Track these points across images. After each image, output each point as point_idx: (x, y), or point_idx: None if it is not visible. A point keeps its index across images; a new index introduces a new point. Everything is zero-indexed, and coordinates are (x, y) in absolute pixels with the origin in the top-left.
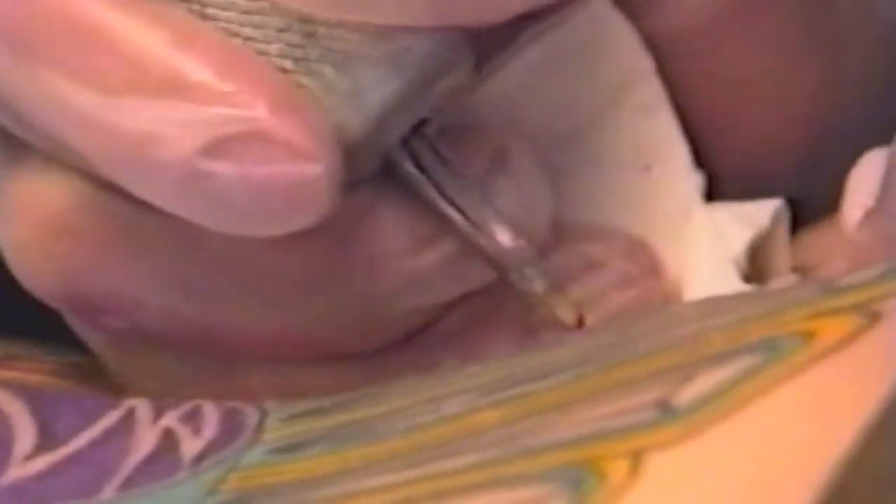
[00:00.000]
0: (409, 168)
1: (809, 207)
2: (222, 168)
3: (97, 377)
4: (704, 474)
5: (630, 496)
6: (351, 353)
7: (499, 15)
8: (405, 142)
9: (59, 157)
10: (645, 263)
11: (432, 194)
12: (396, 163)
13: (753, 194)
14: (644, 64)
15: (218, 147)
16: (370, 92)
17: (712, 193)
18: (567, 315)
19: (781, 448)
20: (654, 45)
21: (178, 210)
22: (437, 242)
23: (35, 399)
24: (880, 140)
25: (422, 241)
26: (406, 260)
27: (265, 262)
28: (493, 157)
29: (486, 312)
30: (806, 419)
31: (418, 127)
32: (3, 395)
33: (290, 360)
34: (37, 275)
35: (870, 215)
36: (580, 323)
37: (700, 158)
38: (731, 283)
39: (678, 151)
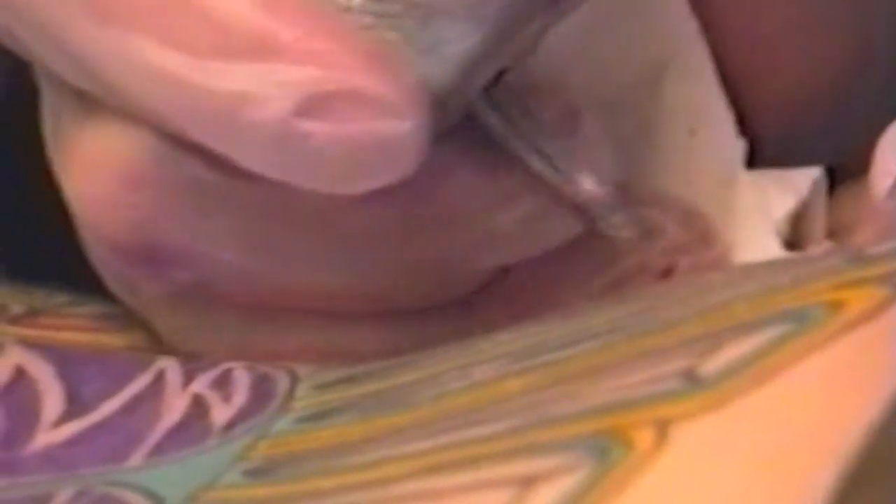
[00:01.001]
0: (492, 118)
1: (843, 173)
2: (316, 127)
3: (129, 330)
4: (731, 444)
5: (656, 465)
6: (416, 308)
7: None
8: (487, 91)
9: (135, 117)
10: (699, 230)
11: (516, 143)
12: (480, 113)
13: (790, 161)
14: (689, 27)
15: (311, 106)
16: (452, 44)
17: (751, 160)
18: (656, 262)
19: (807, 419)
20: (694, 1)
21: (272, 171)
22: (516, 202)
23: (63, 361)
24: None
25: (500, 201)
26: (484, 219)
27: (341, 218)
28: (566, 115)
29: (554, 270)
30: (833, 390)
31: (499, 77)
32: (30, 357)
33: (349, 316)
34: (111, 224)
35: None
36: (668, 272)
37: (740, 125)
38: (773, 251)
39: (722, 116)
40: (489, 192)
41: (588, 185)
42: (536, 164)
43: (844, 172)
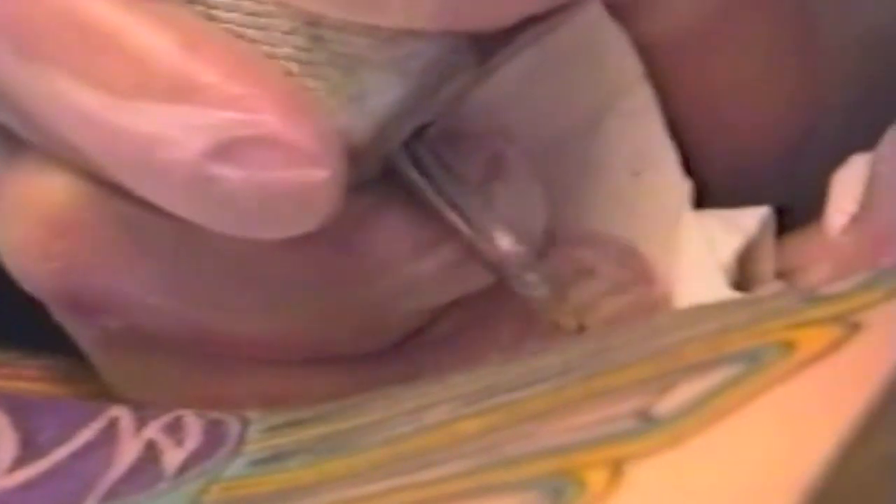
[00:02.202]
0: (411, 172)
1: (793, 214)
2: (229, 172)
3: (80, 381)
4: (684, 484)
5: None
6: (346, 355)
7: (504, 19)
8: (407, 145)
9: (61, 157)
10: (637, 270)
11: (433, 198)
12: (398, 166)
13: (738, 201)
14: (635, 70)
15: (225, 150)
16: (376, 96)
17: (699, 201)
18: (568, 321)
19: (761, 458)
20: (642, 51)
21: (185, 213)
22: (438, 248)
23: (17, 409)
24: (863, 145)
25: (422, 247)
26: (406, 265)
27: (265, 264)
28: (490, 163)
29: (482, 316)
30: (786, 429)
31: (420, 131)
32: None
33: (283, 362)
34: (35, 272)
35: (853, 221)
36: (581, 329)
37: (687, 166)
38: (721, 291)
39: (667, 158)
40: (409, 240)
41: (504, 243)
42: (453, 219)
43: (793, 213)
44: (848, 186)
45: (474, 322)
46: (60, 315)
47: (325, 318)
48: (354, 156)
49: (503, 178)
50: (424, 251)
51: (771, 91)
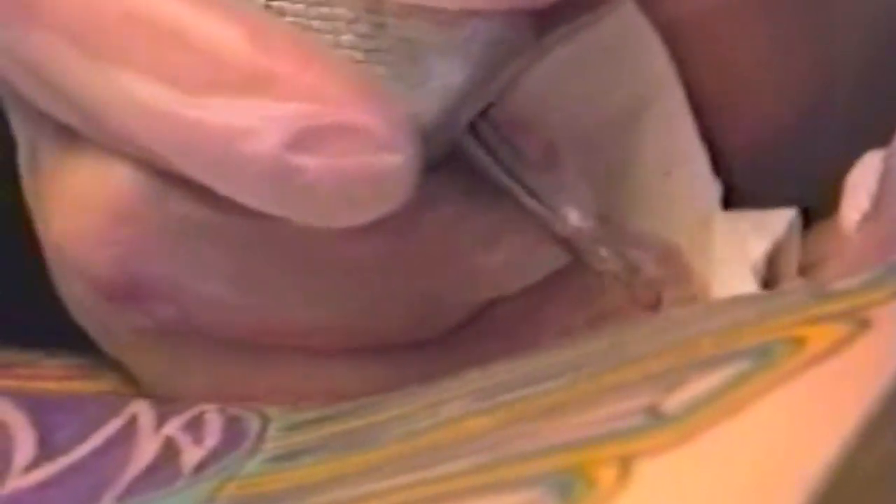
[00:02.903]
0: (478, 152)
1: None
2: (308, 161)
3: (101, 377)
4: (693, 480)
5: (619, 502)
6: (393, 346)
7: None
8: (472, 127)
9: (122, 151)
10: (676, 268)
11: (502, 177)
12: (465, 148)
13: (761, 202)
14: (667, 69)
15: (303, 140)
16: (440, 80)
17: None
18: (645, 293)
19: (770, 455)
20: (664, 32)
21: (264, 205)
22: (500, 239)
23: (35, 407)
24: (879, 132)
25: (484, 237)
26: (467, 255)
27: (326, 252)
28: (546, 150)
29: (530, 308)
30: (795, 426)
31: (484, 111)
32: (2, 404)
33: (325, 354)
34: (94, 259)
35: (866, 218)
36: (657, 302)
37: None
38: (751, 291)
39: (698, 158)
40: (473, 228)
41: (574, 218)
42: (523, 198)
43: (816, 213)
44: (862, 184)
45: (522, 314)
46: (107, 305)
47: (387, 307)
48: (422, 139)
49: (559, 166)
50: (488, 240)
51: (789, 72)
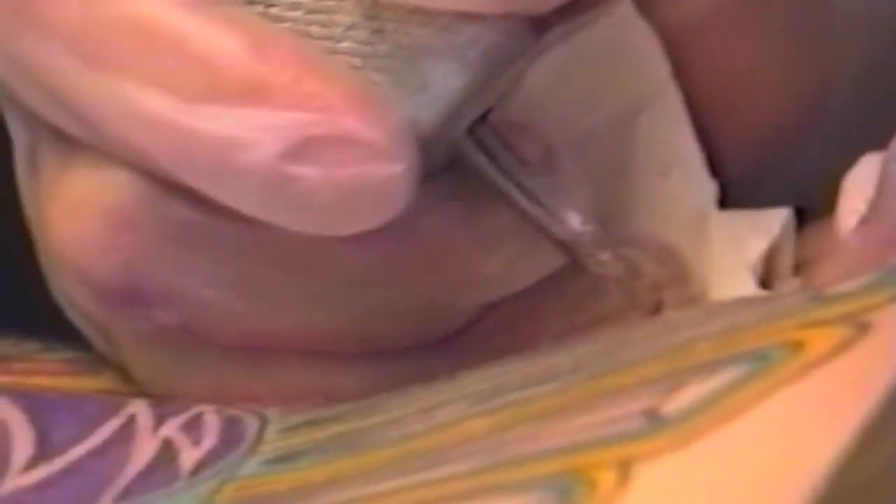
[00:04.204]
0: (478, 157)
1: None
2: (306, 171)
3: (100, 374)
4: (693, 484)
5: None
6: (392, 349)
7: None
8: (471, 131)
9: (121, 158)
10: (675, 269)
11: (502, 181)
12: (464, 153)
13: (757, 201)
14: (663, 70)
15: (301, 150)
16: (439, 85)
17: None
18: (646, 297)
19: (769, 459)
20: (663, 35)
21: (262, 214)
22: (500, 243)
23: (34, 406)
24: (877, 134)
25: (484, 242)
26: (468, 260)
27: (326, 258)
28: (545, 152)
29: (528, 311)
30: (794, 430)
31: (483, 116)
32: (2, 403)
33: (326, 357)
34: (95, 265)
35: (864, 221)
36: (658, 305)
37: (711, 167)
38: (749, 290)
39: (694, 159)
40: (473, 233)
41: (574, 222)
42: (523, 202)
43: (813, 214)
44: (859, 186)
45: (521, 317)
46: (107, 310)
47: (388, 312)
48: (422, 145)
49: (558, 169)
50: (488, 244)
51: (786, 73)
